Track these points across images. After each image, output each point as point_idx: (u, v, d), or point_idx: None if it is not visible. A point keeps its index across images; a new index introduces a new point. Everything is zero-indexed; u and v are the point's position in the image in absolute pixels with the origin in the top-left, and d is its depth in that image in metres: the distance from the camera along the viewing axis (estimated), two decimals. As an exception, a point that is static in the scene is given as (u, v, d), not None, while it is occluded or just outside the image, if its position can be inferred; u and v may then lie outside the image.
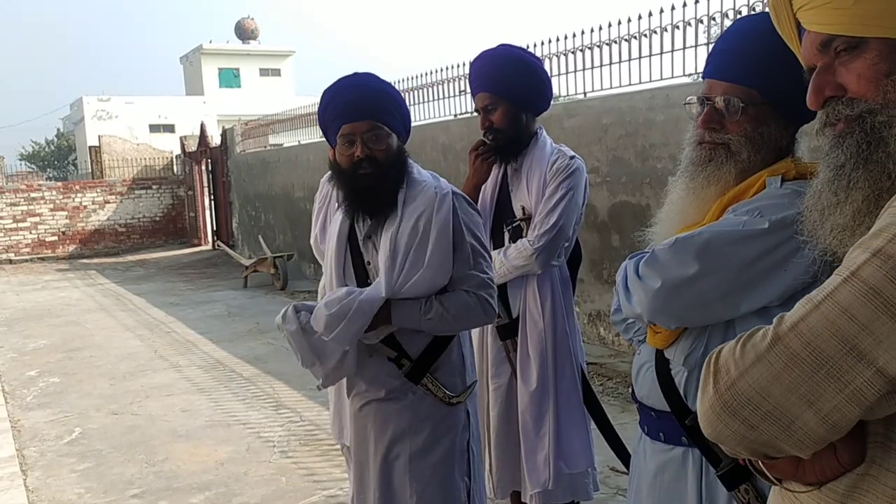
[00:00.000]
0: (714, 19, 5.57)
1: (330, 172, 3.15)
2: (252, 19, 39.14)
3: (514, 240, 2.64)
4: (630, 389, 1.77)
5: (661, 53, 5.86)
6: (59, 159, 47.49)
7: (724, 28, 5.48)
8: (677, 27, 5.72)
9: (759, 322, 0.93)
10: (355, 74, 2.27)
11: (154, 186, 18.70)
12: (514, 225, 2.66)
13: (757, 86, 1.47)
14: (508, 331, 2.65)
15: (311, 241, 3.21)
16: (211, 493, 4.07)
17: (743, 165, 1.50)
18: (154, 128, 32.92)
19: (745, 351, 0.92)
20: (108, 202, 18.10)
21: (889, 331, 0.82)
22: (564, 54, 6.74)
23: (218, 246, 15.89)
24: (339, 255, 2.28)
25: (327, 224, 3.13)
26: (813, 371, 0.86)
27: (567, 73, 6.74)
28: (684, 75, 5.75)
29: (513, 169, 2.69)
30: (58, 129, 48.04)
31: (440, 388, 2.17)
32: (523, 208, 2.64)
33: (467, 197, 2.28)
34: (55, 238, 17.52)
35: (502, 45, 2.74)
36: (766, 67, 1.43)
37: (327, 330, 2.09)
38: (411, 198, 2.18)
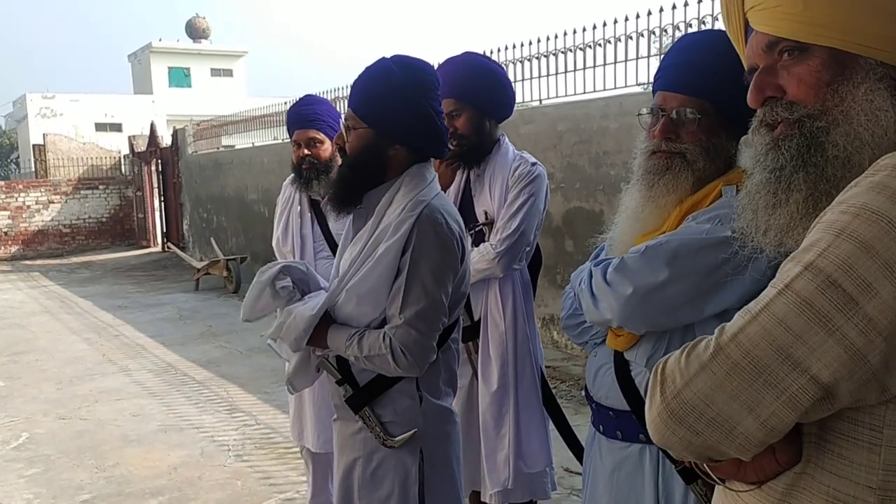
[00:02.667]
0: (665, 31, 5.72)
1: (293, 175, 3.17)
2: (203, 18, 38.57)
3: (476, 244, 2.69)
4: (584, 391, 1.82)
5: (615, 63, 5.99)
6: (1, 158, 46.10)
7: (675, 39, 5.64)
8: (630, 38, 5.86)
9: (718, 324, 0.99)
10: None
11: (101, 187, 18.30)
12: (476, 229, 2.70)
13: (709, 97, 1.54)
14: (470, 333, 2.69)
15: (273, 244, 3.21)
16: (164, 497, 4.02)
17: (699, 174, 1.56)
18: (100, 126, 32.17)
19: (689, 361, 0.96)
20: (53, 202, 17.66)
21: (821, 340, 0.87)
22: (521, 61, 6.84)
23: (168, 248, 15.63)
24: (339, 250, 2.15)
25: (289, 226, 3.14)
26: (752, 379, 0.91)
27: (523, 79, 6.84)
28: (636, 84, 5.89)
29: (475, 174, 2.73)
30: (-1, 127, 46.67)
31: (376, 425, 1.97)
32: (486, 213, 2.69)
33: (448, 220, 1.94)
34: (-4, 238, 17.03)
35: (467, 53, 2.79)
36: (716, 80, 1.50)
37: (277, 332, 2.04)
38: (391, 209, 1.95)
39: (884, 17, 0.98)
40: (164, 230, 16.55)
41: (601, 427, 1.73)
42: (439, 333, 1.96)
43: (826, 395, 0.90)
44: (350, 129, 1.98)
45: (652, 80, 1.74)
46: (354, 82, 2.01)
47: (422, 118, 1.95)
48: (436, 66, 2.75)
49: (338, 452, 2.13)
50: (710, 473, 1.07)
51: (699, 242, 1.48)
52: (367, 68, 2.00)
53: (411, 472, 1.98)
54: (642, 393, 1.58)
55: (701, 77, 1.53)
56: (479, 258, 2.62)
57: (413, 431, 1.97)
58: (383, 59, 2.02)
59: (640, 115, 1.68)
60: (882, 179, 0.90)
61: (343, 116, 2.05)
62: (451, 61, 2.73)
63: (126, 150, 19.08)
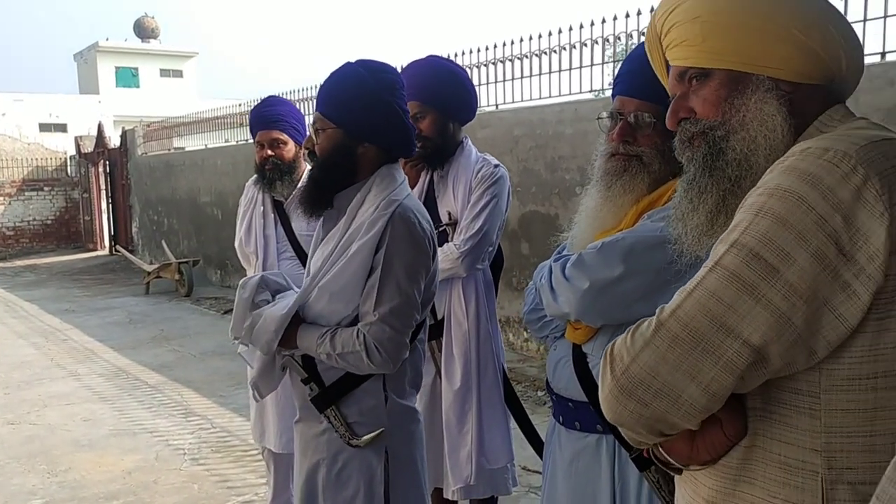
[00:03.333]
0: (619, 39, 5.85)
1: (255, 176, 3.17)
2: (153, 18, 37.85)
3: (439, 244, 2.72)
4: (544, 387, 1.88)
5: (570, 69, 6.10)
6: (-62, 157, 44.57)
7: (628, 46, 5.78)
8: (584, 45, 5.98)
9: None
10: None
11: (46, 188, 17.88)
12: (440, 230, 2.74)
13: (664, 102, 1.61)
14: (434, 332, 2.73)
15: (236, 244, 3.21)
16: (119, 502, 3.96)
17: (655, 175, 1.66)
18: (45, 127, 31.25)
19: (634, 339, 1.07)
20: (-5, 204, 17.18)
21: (749, 307, 0.99)
22: (478, 66, 6.91)
23: (116, 251, 15.31)
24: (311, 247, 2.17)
25: (252, 227, 3.14)
26: (691, 348, 1.02)
27: (480, 84, 6.91)
28: (591, 91, 6.01)
29: (439, 176, 2.77)
30: (-64, 126, 45.07)
31: (342, 425, 1.98)
32: (449, 214, 2.73)
33: (420, 219, 1.97)
34: (-65, 241, 16.49)
35: (431, 56, 2.83)
36: None
37: (248, 333, 2.04)
38: (363, 209, 1.97)
39: (768, 41, 1.13)
40: (113, 233, 16.21)
41: (561, 418, 1.79)
42: (412, 330, 1.99)
43: (759, 359, 1.00)
44: (319, 130, 2.00)
45: (605, 86, 1.81)
46: (322, 85, 2.04)
47: (389, 116, 1.99)
48: (399, 70, 2.80)
49: (299, 454, 2.12)
50: (668, 460, 1.15)
51: (653, 240, 1.56)
52: (335, 72, 2.03)
53: (377, 472, 1.99)
54: (599, 384, 1.65)
55: (656, 83, 1.60)
56: (443, 258, 2.66)
57: (379, 431, 1.98)
58: (349, 63, 2.06)
59: (599, 118, 1.75)
60: (791, 163, 1.02)
61: (311, 121, 2.07)
62: (414, 64, 2.78)
63: (72, 151, 18.63)
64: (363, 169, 2.01)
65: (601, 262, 1.59)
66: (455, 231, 2.71)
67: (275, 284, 2.13)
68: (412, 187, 2.79)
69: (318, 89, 2.07)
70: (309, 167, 2.08)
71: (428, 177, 2.80)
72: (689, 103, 1.19)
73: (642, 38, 1.37)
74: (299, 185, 2.98)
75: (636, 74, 1.68)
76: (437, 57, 2.85)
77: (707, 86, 1.17)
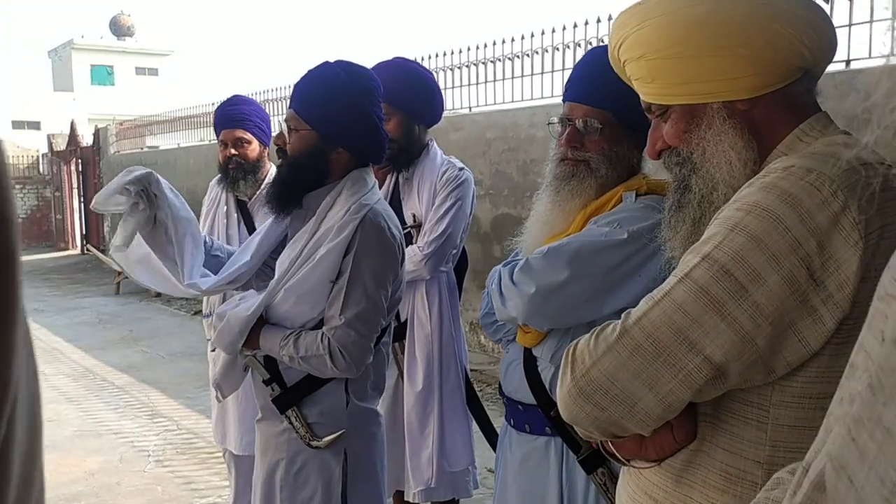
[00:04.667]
0: (590, 43, 5.88)
1: (219, 175, 3.15)
2: (128, 16, 37.53)
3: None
4: (498, 386, 1.89)
5: (542, 73, 6.14)
6: None
7: (602, 52, 5.82)
8: (557, 49, 6.01)
9: None
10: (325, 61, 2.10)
11: (17, 186, 17.63)
12: (404, 232, 2.73)
13: (612, 109, 1.64)
14: (397, 334, 2.72)
15: (199, 244, 3.18)
16: (81, 503, 3.91)
17: (602, 181, 1.66)
18: (17, 124, 30.93)
19: (597, 343, 1.06)
20: (-36, 201, 16.94)
21: (714, 324, 0.98)
22: (451, 69, 6.92)
23: (87, 250, 15.13)
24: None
25: (215, 226, 3.11)
26: (652, 359, 1.01)
27: (454, 87, 6.92)
28: (561, 95, 6.03)
29: (404, 178, 2.77)
30: None
31: (302, 426, 1.98)
32: (414, 216, 2.73)
33: (389, 224, 1.97)
34: None
35: (398, 58, 2.83)
36: (618, 93, 1.58)
37: (211, 332, 2.05)
38: (332, 212, 1.97)
39: (709, 67, 1.11)
40: (84, 232, 16.02)
41: (511, 420, 1.81)
42: (377, 335, 1.98)
43: (718, 375, 0.99)
44: (292, 130, 1.98)
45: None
46: (298, 84, 2.02)
47: (365, 123, 1.98)
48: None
49: (259, 454, 2.12)
50: (616, 453, 1.16)
51: (598, 244, 1.57)
52: (311, 71, 2.01)
53: (335, 473, 1.99)
54: (547, 387, 1.66)
55: (604, 89, 1.61)
56: (407, 260, 2.65)
57: (340, 433, 1.98)
58: (328, 62, 2.04)
59: (550, 123, 1.77)
60: (772, 180, 1.00)
61: (284, 117, 2.05)
62: (381, 66, 2.77)
63: (45, 149, 18.41)
64: (334, 172, 2.00)
65: (547, 267, 1.60)
66: (419, 233, 2.70)
67: (155, 186, 2.08)
68: (379, 189, 2.79)
69: (293, 86, 2.03)
70: (278, 164, 2.05)
71: (393, 179, 2.80)
72: (662, 134, 1.20)
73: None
74: (264, 184, 2.96)
75: (585, 80, 1.69)
76: (404, 59, 2.85)
77: (668, 120, 1.17)
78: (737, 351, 0.97)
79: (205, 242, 2.22)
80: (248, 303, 2.02)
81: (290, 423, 1.99)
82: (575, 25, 5.86)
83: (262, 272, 2.19)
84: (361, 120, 1.97)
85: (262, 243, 2.15)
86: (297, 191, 2.00)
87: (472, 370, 5.89)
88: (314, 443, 1.97)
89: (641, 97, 1.22)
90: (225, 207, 3.10)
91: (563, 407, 1.10)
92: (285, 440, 2.02)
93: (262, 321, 1.99)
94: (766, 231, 0.96)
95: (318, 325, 1.95)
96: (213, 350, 2.10)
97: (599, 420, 1.06)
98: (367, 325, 1.92)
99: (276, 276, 2.01)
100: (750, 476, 1.02)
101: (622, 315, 1.06)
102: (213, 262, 2.22)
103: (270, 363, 2.02)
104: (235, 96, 3.24)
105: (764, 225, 0.96)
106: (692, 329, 0.98)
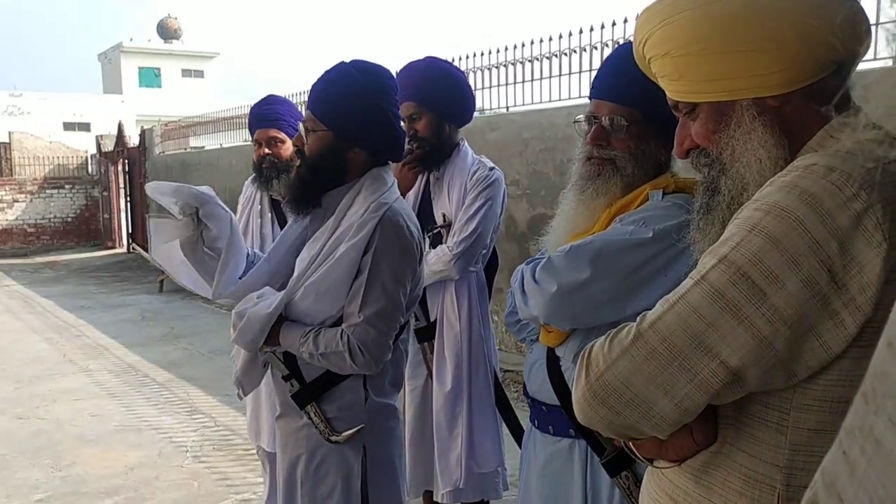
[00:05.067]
0: (630, 42, 5.81)
1: (254, 175, 3.18)
2: (175, 19, 38.25)
3: (433, 246, 2.72)
4: (523, 386, 1.87)
5: (580, 72, 6.08)
6: (-36, 155, 45.27)
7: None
8: (595, 47, 5.95)
9: None
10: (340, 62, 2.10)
11: (67, 186, 18.07)
12: (434, 231, 2.74)
13: (638, 106, 1.60)
14: (426, 334, 2.73)
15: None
16: (120, 497, 3.99)
17: (628, 179, 1.63)
18: (69, 126, 31.71)
19: (612, 346, 1.03)
20: (18, 201, 17.40)
21: (731, 328, 0.95)
22: (489, 69, 6.90)
23: (133, 249, 15.45)
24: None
25: (249, 225, 3.15)
26: (668, 363, 0.98)
27: (491, 87, 6.90)
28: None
29: (435, 177, 2.77)
30: (-37, 123, 45.79)
31: (321, 421, 2.00)
32: (444, 215, 2.73)
33: (408, 223, 1.99)
34: (-42, 237, 16.73)
35: (428, 57, 2.83)
36: (645, 90, 1.55)
37: (231, 331, 2.06)
38: (352, 211, 1.99)
39: (739, 63, 1.06)
40: (130, 231, 16.36)
41: (535, 421, 1.79)
42: (395, 333, 1.99)
43: (735, 379, 0.96)
44: (309, 130, 2.00)
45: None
46: (314, 85, 2.04)
47: (381, 122, 2.00)
48: (397, 71, 2.80)
49: (280, 450, 2.14)
50: (637, 454, 1.14)
51: (622, 243, 1.54)
52: (328, 72, 2.03)
53: (354, 467, 2.01)
54: (570, 388, 1.63)
55: (630, 86, 1.58)
56: (436, 260, 2.65)
57: (358, 427, 2.00)
58: (343, 63, 2.06)
59: (576, 122, 1.74)
60: (792, 179, 0.96)
61: (302, 119, 2.08)
62: (412, 65, 2.77)
63: (93, 150, 18.84)
64: (352, 171, 2.02)
65: (569, 266, 1.57)
66: (449, 233, 2.70)
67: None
68: (408, 190, 2.79)
69: (310, 88, 2.05)
70: (296, 165, 2.08)
71: (424, 178, 2.80)
72: (690, 132, 1.16)
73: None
74: None
75: (611, 77, 1.66)
76: (435, 58, 2.84)
77: (697, 118, 1.14)
78: (754, 356, 0.94)
79: (247, 256, 2.25)
80: (267, 300, 2.04)
81: (310, 418, 2.01)
82: (613, 23, 5.79)
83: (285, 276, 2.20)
84: (377, 119, 1.98)
85: (281, 244, 2.18)
86: (315, 191, 2.02)
87: (508, 370, 5.89)
88: (333, 437, 2.00)
89: (668, 95, 1.18)
90: (259, 206, 3.13)
91: (578, 410, 1.08)
92: (305, 435, 2.04)
93: (282, 318, 2.01)
94: (785, 232, 0.93)
95: (337, 322, 1.97)
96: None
97: (615, 424, 1.05)
98: (385, 322, 1.94)
99: (295, 274, 2.02)
100: (769, 480, 1.00)
101: (638, 317, 1.03)
102: None
103: (289, 359, 2.04)
104: (270, 96, 3.27)
105: (783, 226, 0.93)
106: (707, 333, 0.96)
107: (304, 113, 2.09)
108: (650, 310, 1.04)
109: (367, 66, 2.04)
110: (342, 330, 1.92)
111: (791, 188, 0.95)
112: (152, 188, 2.16)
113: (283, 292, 2.03)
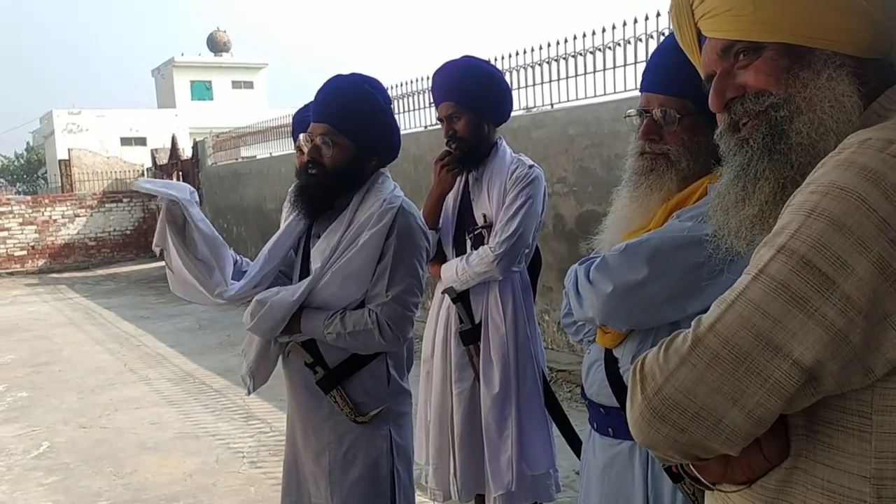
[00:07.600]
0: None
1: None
2: (224, 32, 39.03)
3: (475, 247, 2.70)
4: (580, 388, 1.83)
5: (625, 65, 5.98)
6: (29, 173, 46.94)
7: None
8: (640, 40, 5.85)
9: None
10: (338, 75, 2.25)
11: (125, 200, 18.54)
12: (475, 232, 2.71)
13: (690, 97, 1.53)
14: (471, 336, 2.70)
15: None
16: (179, 503, 4.06)
17: (683, 173, 1.57)
18: (125, 141, 32.66)
19: (668, 356, 0.93)
20: (79, 216, 17.92)
21: (800, 323, 0.85)
22: (532, 66, 6.85)
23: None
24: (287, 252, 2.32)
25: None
26: (734, 368, 0.88)
27: (534, 84, 6.85)
28: (648, 87, 5.86)
29: (474, 178, 2.75)
30: (27, 143, 47.55)
31: (347, 404, 2.11)
32: (484, 216, 2.70)
33: (417, 214, 2.19)
34: (24, 252, 17.29)
35: (465, 57, 2.80)
36: (696, 79, 1.50)
37: (248, 319, 2.12)
38: (365, 206, 2.14)
39: (831, 11, 0.98)
40: (187, 241, 16.70)
41: (594, 424, 1.74)
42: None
43: (810, 380, 0.87)
44: (331, 143, 2.12)
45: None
46: (327, 98, 2.17)
47: (392, 132, 2.24)
48: (434, 71, 2.78)
49: (302, 441, 2.22)
50: (699, 477, 1.03)
51: (679, 240, 1.48)
52: (339, 86, 2.18)
53: (382, 450, 2.14)
54: (628, 401, 1.58)
55: (681, 77, 1.52)
56: (479, 261, 2.63)
57: (383, 407, 2.14)
58: (350, 76, 2.22)
59: (627, 116, 1.68)
60: (848, 156, 0.88)
61: (312, 130, 2.18)
62: (449, 65, 2.75)
63: (149, 164, 19.32)
64: (366, 176, 2.21)
65: (624, 265, 1.52)
66: (490, 233, 2.67)
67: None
68: (448, 191, 2.78)
69: (316, 98, 2.20)
70: (310, 173, 2.15)
71: (463, 179, 2.78)
72: (737, 80, 1.05)
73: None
74: None
75: (661, 69, 1.61)
76: (472, 57, 2.82)
77: (760, 58, 1.02)
78: (829, 352, 0.85)
79: (235, 262, 2.34)
80: (290, 289, 2.14)
81: (335, 401, 2.12)
82: (658, 14, 5.69)
83: (281, 276, 2.32)
84: (390, 130, 2.22)
85: (281, 244, 2.28)
86: (333, 197, 2.17)
87: (560, 370, 5.83)
88: (360, 419, 2.12)
89: (718, 36, 1.06)
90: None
91: (636, 430, 0.97)
92: (330, 424, 2.15)
93: (301, 307, 2.12)
94: (848, 213, 0.84)
95: (359, 306, 2.11)
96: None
97: (679, 442, 0.94)
98: (410, 300, 2.12)
99: (319, 264, 2.12)
100: (857, 493, 0.90)
101: (693, 322, 0.94)
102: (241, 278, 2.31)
103: (309, 347, 2.15)
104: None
105: (845, 206, 0.84)
106: (775, 331, 0.86)
107: (314, 124, 2.18)
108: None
109: (372, 80, 2.25)
110: (370, 309, 2.08)
111: (848, 165, 0.87)
112: (144, 184, 2.22)
113: (306, 280, 2.12)
